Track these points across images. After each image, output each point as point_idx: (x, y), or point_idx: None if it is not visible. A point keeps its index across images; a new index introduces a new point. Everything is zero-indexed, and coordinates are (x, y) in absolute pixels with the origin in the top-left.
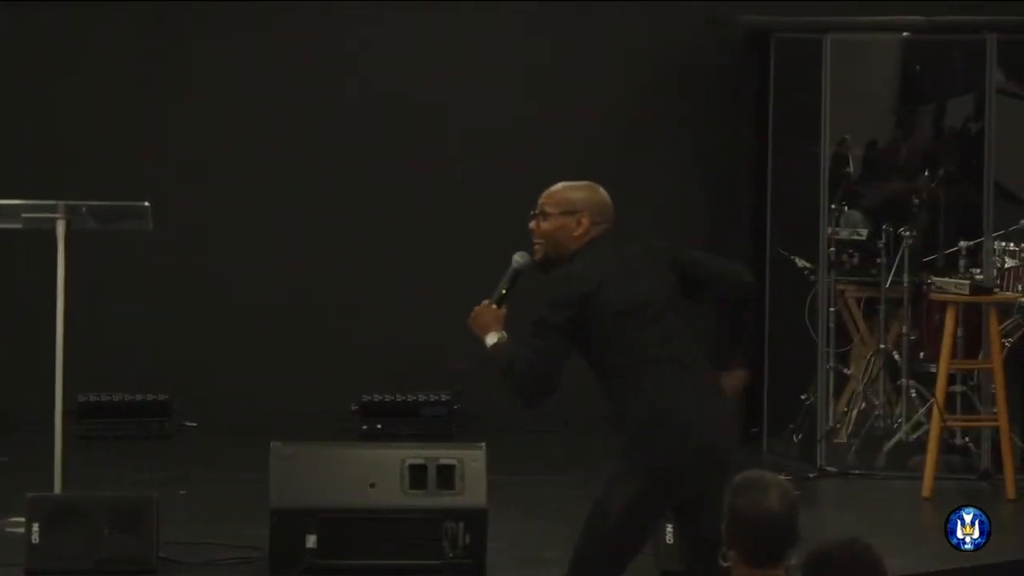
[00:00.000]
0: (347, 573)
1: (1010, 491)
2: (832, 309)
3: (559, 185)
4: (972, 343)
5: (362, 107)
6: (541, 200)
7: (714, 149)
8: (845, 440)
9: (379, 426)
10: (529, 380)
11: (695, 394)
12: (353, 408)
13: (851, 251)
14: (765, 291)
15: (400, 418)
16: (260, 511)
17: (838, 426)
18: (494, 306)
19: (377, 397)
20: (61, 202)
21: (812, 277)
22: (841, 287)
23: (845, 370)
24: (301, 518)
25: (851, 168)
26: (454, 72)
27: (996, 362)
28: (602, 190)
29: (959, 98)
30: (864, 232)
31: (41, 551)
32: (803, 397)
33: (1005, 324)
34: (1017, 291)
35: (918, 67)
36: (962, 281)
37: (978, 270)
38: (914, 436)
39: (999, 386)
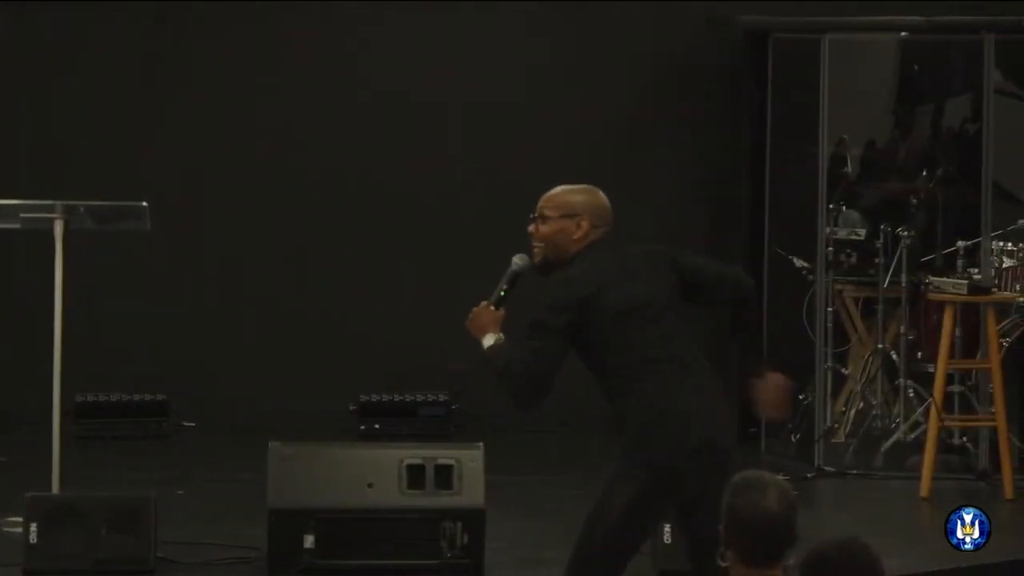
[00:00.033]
0: (345, 573)
1: (1008, 491)
2: (830, 309)
3: (558, 188)
4: (970, 343)
5: (362, 107)
6: (540, 203)
7: (712, 149)
8: (843, 440)
9: (377, 426)
10: (525, 382)
11: (695, 394)
12: (351, 408)
13: (849, 251)
14: (763, 291)
15: (398, 418)
16: (258, 511)
17: (836, 426)
18: (492, 308)
19: (375, 397)
20: (59, 202)
21: (810, 277)
22: (839, 287)
23: (843, 370)
24: (299, 518)
25: (849, 168)
26: (454, 72)
27: (994, 362)
28: (601, 193)
29: (957, 98)
30: (862, 232)
31: (39, 551)
32: (801, 397)
33: (1003, 324)
34: (1015, 291)
35: (916, 67)
36: (960, 281)
37: (976, 270)
38: (912, 436)
39: (997, 386)
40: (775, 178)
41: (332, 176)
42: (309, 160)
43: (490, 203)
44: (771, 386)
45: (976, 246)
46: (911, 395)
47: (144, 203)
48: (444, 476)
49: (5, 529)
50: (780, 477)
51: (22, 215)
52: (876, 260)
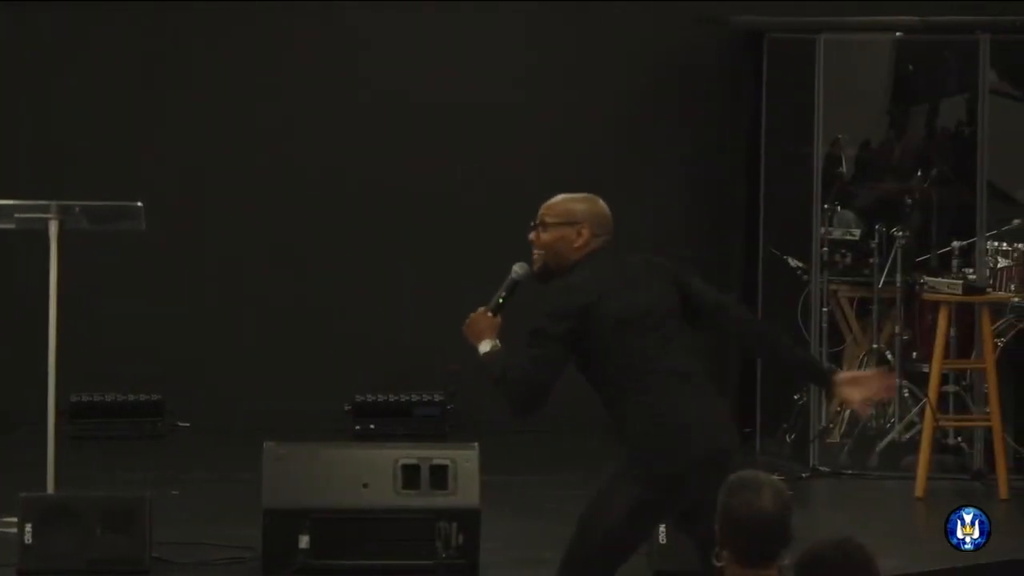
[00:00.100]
0: (340, 573)
1: (1003, 491)
2: (825, 309)
3: (559, 196)
4: (965, 343)
5: (362, 107)
6: (541, 211)
7: (708, 149)
8: (838, 440)
9: (372, 426)
10: (523, 388)
11: (695, 403)
12: (346, 408)
13: (844, 251)
14: (758, 291)
15: (393, 418)
16: (253, 511)
17: (831, 426)
18: (489, 314)
19: (370, 397)
20: (54, 202)
21: (805, 277)
22: (834, 287)
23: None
24: (294, 518)
25: (844, 168)
26: (454, 72)
27: (989, 362)
28: (601, 202)
29: (952, 98)
30: (857, 232)
31: (34, 551)
32: (796, 397)
33: (998, 324)
34: (1010, 291)
35: (911, 67)
36: (955, 281)
37: (971, 270)
38: (907, 436)
39: (992, 386)
40: (770, 178)
41: (330, 176)
42: (308, 160)
43: (489, 203)
44: (852, 381)
45: (971, 246)
46: (906, 395)
47: (139, 203)
48: (439, 476)
49: (0, 529)
50: (775, 477)
51: (17, 215)
52: (871, 260)
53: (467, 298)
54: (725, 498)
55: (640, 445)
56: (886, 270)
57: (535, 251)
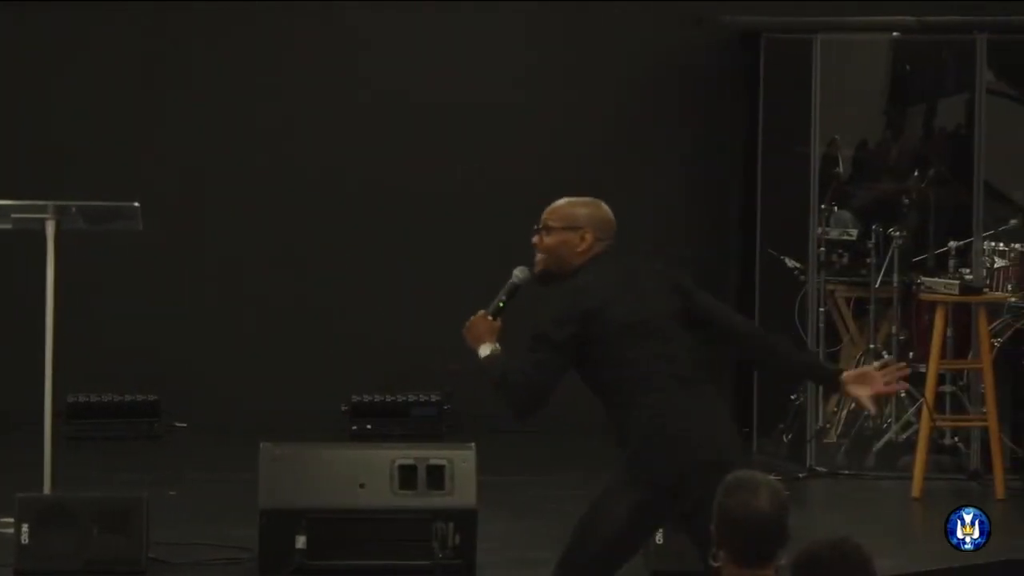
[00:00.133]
0: (337, 573)
1: (999, 491)
2: (822, 309)
3: (562, 200)
4: (962, 343)
5: (362, 107)
6: (544, 215)
7: (705, 149)
8: (835, 440)
9: (369, 426)
10: (524, 392)
11: (697, 407)
12: (343, 408)
13: (841, 251)
14: (755, 291)
15: (390, 418)
16: (250, 512)
17: (828, 426)
18: (489, 318)
19: (367, 397)
20: (50, 202)
21: (802, 277)
22: (831, 287)
23: None
24: (291, 519)
25: (841, 168)
26: (454, 72)
27: (986, 362)
28: (605, 206)
29: (949, 98)
30: (854, 232)
31: (30, 551)
32: (793, 397)
33: (994, 324)
34: (1006, 291)
35: (908, 67)
36: (952, 281)
37: (968, 270)
38: (904, 436)
39: (988, 386)
40: (767, 178)
41: (330, 176)
42: (307, 160)
43: (488, 203)
44: (858, 378)
45: (968, 246)
46: (903, 395)
47: (136, 203)
48: (436, 476)
49: None
50: (772, 477)
51: (14, 215)
52: (868, 260)
53: (466, 298)
54: (722, 498)
55: (642, 450)
56: (883, 270)
57: (537, 254)
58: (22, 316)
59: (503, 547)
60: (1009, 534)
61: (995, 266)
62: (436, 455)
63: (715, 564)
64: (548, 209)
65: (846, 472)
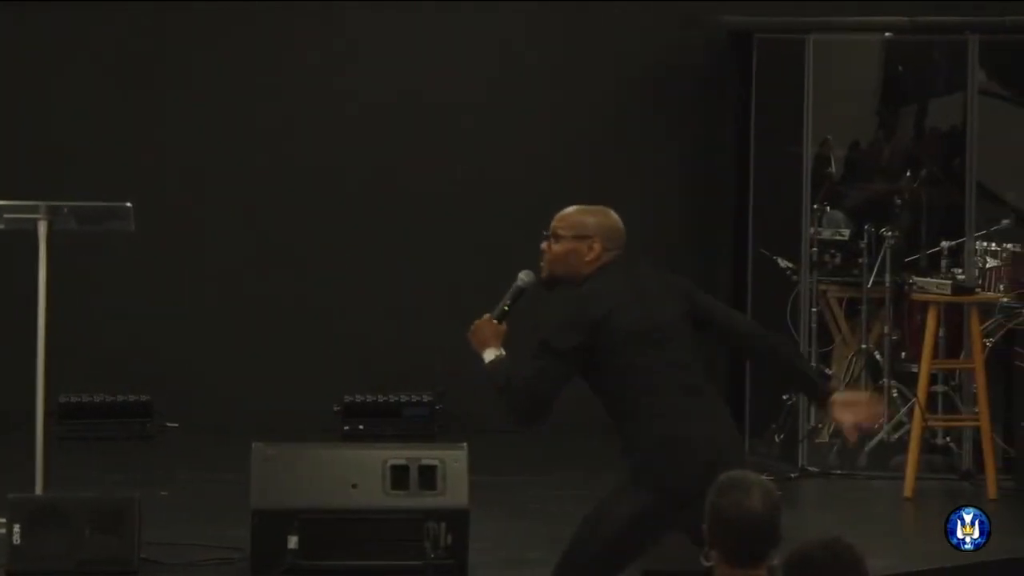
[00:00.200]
0: (329, 574)
1: (991, 491)
2: (814, 309)
3: (572, 208)
4: (954, 343)
5: (362, 107)
6: (554, 222)
7: (697, 149)
8: (827, 440)
9: (361, 427)
10: (525, 398)
11: (704, 419)
12: (335, 409)
13: (833, 251)
14: (747, 291)
15: (382, 419)
16: (242, 512)
17: (820, 426)
18: (495, 321)
19: (359, 398)
20: (42, 203)
21: (794, 277)
22: (823, 287)
23: (827, 370)
24: (283, 519)
25: (833, 168)
26: (454, 72)
27: (978, 362)
28: (614, 214)
29: (941, 98)
30: (846, 232)
31: (22, 552)
32: (785, 397)
33: (987, 324)
34: (998, 291)
35: (900, 68)
36: (944, 281)
37: (960, 270)
38: (896, 436)
39: (980, 386)
40: (759, 178)
41: (329, 176)
42: (306, 160)
43: (486, 203)
44: (846, 403)
45: (960, 246)
46: (895, 395)
47: (128, 204)
48: (428, 477)
49: None
50: (764, 477)
51: (6, 216)
52: (860, 260)
53: (464, 298)
54: (714, 498)
55: (648, 458)
56: (875, 270)
57: (544, 260)
58: (16, 316)
59: (495, 547)
60: (1001, 534)
61: (987, 266)
62: (428, 455)
63: (707, 564)
64: (557, 216)
65: (838, 472)
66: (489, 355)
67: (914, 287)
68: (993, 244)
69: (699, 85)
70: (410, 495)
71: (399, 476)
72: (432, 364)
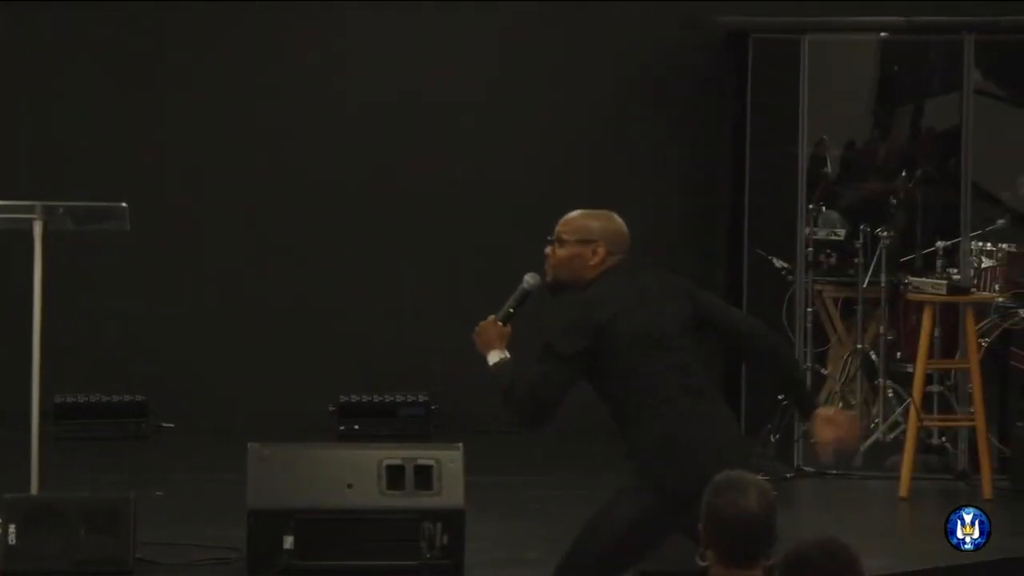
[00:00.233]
0: (325, 574)
1: (987, 491)
2: (809, 309)
3: (576, 213)
4: (949, 343)
5: (362, 107)
6: (558, 227)
7: (692, 149)
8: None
9: (356, 427)
10: (529, 401)
11: (708, 423)
12: (331, 409)
13: (829, 251)
14: (743, 291)
15: (378, 419)
16: (238, 512)
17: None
18: (499, 323)
19: (355, 398)
20: (38, 203)
21: (790, 277)
22: (819, 287)
23: (822, 370)
24: (278, 519)
25: (829, 168)
26: (454, 72)
27: (973, 362)
28: (618, 219)
29: (937, 98)
30: (842, 232)
31: (18, 552)
32: (780, 397)
33: (982, 324)
34: (994, 291)
35: (896, 68)
36: (939, 281)
37: (955, 270)
38: (891, 436)
39: (976, 386)
40: (755, 178)
41: (329, 176)
42: (305, 160)
43: (485, 203)
44: (829, 420)
45: (955, 246)
46: (890, 395)
47: (124, 204)
48: (424, 476)
49: None
50: (760, 477)
51: (1, 216)
52: (856, 260)
53: (463, 299)
54: (710, 498)
55: (652, 460)
56: (871, 270)
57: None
58: (12, 316)
59: (491, 547)
60: (997, 534)
61: (983, 266)
62: (424, 455)
63: (703, 564)
64: (562, 221)
65: (833, 472)
66: (493, 357)
67: (910, 287)
68: (988, 244)
69: (699, 85)
70: (406, 495)
71: (395, 476)
72: (430, 364)
